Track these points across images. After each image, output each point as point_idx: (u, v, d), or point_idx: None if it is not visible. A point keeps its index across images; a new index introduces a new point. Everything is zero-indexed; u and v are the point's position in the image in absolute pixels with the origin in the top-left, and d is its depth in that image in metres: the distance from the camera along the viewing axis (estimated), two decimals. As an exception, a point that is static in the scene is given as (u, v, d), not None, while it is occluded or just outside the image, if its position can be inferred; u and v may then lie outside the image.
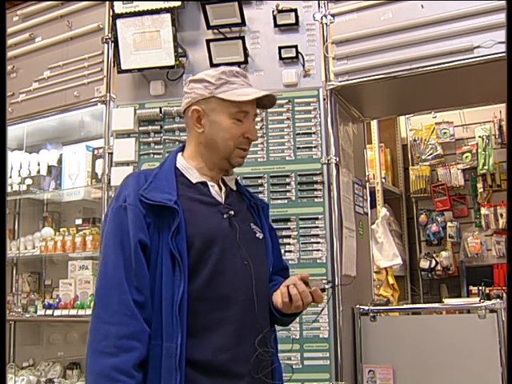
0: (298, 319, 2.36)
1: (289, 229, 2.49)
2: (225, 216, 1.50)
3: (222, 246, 1.46)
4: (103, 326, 1.36)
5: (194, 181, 1.54)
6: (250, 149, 2.48)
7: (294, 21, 2.60)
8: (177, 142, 2.66)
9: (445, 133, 4.37)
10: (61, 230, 3.25)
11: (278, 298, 1.50)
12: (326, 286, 1.47)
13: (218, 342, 1.41)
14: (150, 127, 2.73)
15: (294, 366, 2.38)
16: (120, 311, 1.36)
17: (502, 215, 4.04)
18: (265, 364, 1.47)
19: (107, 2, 2.89)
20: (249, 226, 1.57)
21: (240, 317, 1.45)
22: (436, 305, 2.92)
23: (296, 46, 2.59)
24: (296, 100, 2.59)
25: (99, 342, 1.35)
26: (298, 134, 2.57)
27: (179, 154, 1.60)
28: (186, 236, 1.42)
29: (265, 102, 1.59)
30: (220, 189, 1.57)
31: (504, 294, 2.66)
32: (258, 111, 1.60)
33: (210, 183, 1.55)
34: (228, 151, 1.53)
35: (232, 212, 1.52)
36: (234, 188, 1.63)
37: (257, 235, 1.58)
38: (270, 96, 1.56)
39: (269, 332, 1.50)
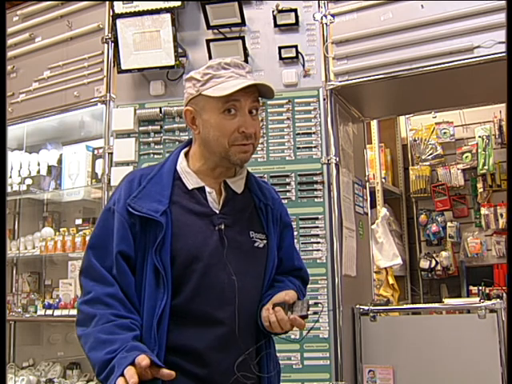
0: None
1: (289, 229, 2.48)
2: (216, 228, 1.44)
3: (207, 261, 1.41)
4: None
5: (190, 187, 1.47)
6: (250, 149, 2.56)
7: (294, 21, 2.60)
8: (177, 142, 2.66)
9: (445, 133, 4.37)
10: (61, 229, 3.24)
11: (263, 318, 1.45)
12: (309, 313, 1.39)
13: (197, 358, 1.38)
14: (150, 127, 2.73)
15: (293, 366, 2.38)
16: (105, 301, 1.37)
17: (502, 215, 4.04)
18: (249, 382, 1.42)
19: (107, 2, 2.89)
20: (247, 235, 1.49)
21: (222, 333, 1.40)
22: (436, 305, 2.92)
23: (296, 46, 2.59)
24: (296, 100, 2.59)
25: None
26: (298, 133, 2.57)
27: (182, 154, 1.53)
28: (171, 250, 1.39)
29: (264, 91, 1.47)
30: (220, 194, 1.50)
31: (504, 294, 2.66)
32: (258, 103, 1.47)
33: (207, 189, 1.47)
34: (223, 150, 1.43)
35: (223, 225, 1.45)
36: (240, 190, 1.53)
37: (256, 244, 1.50)
38: (263, 85, 1.45)
39: (253, 352, 1.45)
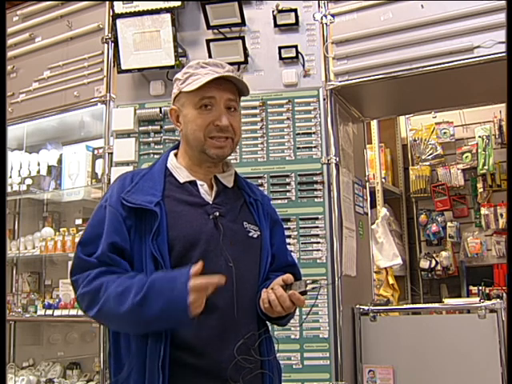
0: (296, 319, 2.36)
1: (289, 229, 2.48)
2: (211, 217, 1.47)
3: (203, 248, 1.43)
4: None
5: (181, 180, 1.52)
6: (250, 149, 2.57)
7: (293, 21, 2.60)
8: (176, 142, 2.65)
9: (445, 133, 4.37)
10: (61, 229, 3.24)
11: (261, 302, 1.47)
12: (308, 288, 1.41)
13: (199, 350, 1.38)
14: (150, 127, 2.73)
15: (293, 366, 2.38)
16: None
17: (502, 215, 4.04)
18: (252, 369, 1.43)
19: (107, 2, 2.89)
20: (241, 225, 1.53)
21: (221, 321, 1.42)
22: (436, 305, 2.91)
23: (296, 46, 2.59)
24: (296, 100, 2.59)
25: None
26: (298, 134, 2.57)
27: (171, 153, 1.60)
28: (168, 239, 1.41)
29: (241, 88, 1.54)
30: (211, 187, 1.54)
31: (504, 294, 2.66)
32: (236, 101, 1.53)
33: (199, 182, 1.52)
34: (199, 143, 1.50)
35: (218, 213, 1.48)
36: (230, 185, 1.58)
37: (250, 234, 1.53)
38: (237, 79, 1.51)
39: (253, 336, 1.46)
